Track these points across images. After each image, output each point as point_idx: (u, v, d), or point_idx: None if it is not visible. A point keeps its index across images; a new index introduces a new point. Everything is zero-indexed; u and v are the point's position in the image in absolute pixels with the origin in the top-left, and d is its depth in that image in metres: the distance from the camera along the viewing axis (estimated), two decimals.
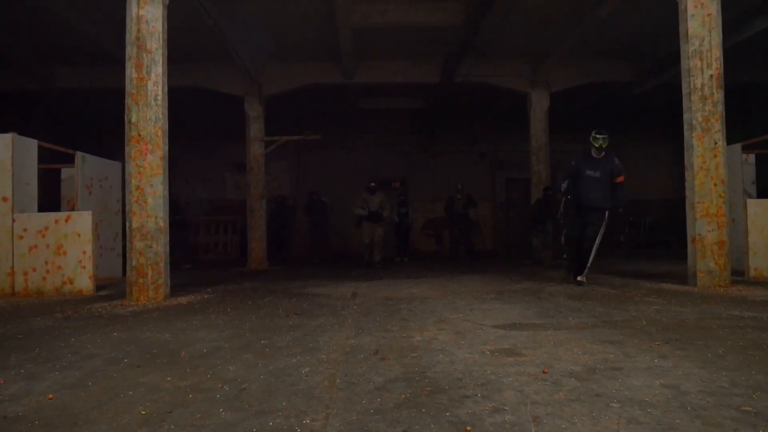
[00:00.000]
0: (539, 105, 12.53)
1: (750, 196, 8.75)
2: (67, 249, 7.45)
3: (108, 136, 13.13)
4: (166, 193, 6.69)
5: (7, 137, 7.36)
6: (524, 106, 12.79)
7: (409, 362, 3.20)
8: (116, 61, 8.30)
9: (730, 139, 8.08)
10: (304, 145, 14.94)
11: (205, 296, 6.85)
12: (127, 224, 6.53)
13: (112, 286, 8.25)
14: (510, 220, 17.17)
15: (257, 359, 3.35)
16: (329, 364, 3.20)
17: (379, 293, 6.80)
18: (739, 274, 7.46)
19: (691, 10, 6.76)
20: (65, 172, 9.50)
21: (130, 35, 6.53)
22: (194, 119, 14.64)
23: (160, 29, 6.55)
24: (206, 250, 16.03)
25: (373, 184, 11.69)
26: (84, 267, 7.48)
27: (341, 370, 3.04)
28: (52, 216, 7.63)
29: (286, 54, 11.74)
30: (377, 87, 13.23)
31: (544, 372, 2.91)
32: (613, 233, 16.79)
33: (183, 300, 6.48)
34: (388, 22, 9.60)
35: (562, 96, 12.67)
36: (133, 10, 6.51)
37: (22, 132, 7.85)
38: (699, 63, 6.73)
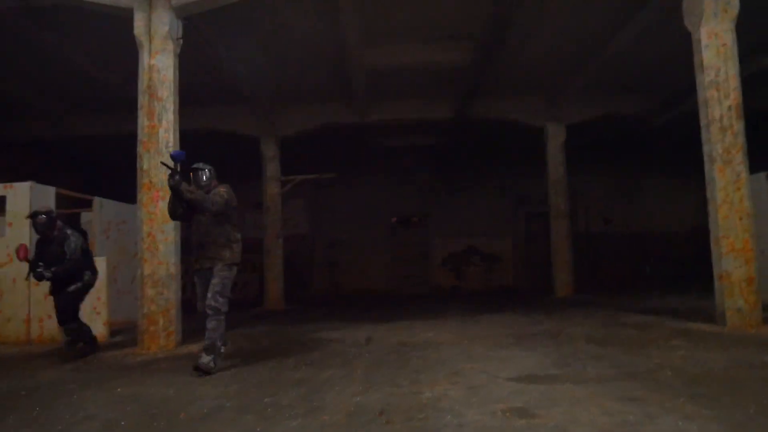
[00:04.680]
0: (555, 139, 12.41)
1: None
2: None
3: (127, 181, 13.33)
4: (179, 239, 6.67)
5: (25, 186, 7.47)
6: (541, 139, 12.68)
7: (415, 426, 3.03)
8: (131, 107, 8.46)
9: (759, 168, 7.81)
10: (321, 183, 14.92)
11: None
12: (139, 271, 6.51)
13: (127, 330, 8.19)
14: (531, 255, 16.84)
15: (258, 422, 3.21)
16: (331, 428, 3.04)
17: (394, 338, 6.60)
18: None
19: (705, 41, 6.61)
20: (84, 216, 9.60)
21: (142, 84, 6.64)
22: (211, 160, 14.77)
23: (171, 77, 6.64)
24: None
25: None
26: (98, 313, 7.47)
27: None
28: None
29: (301, 95, 11.85)
30: (392, 125, 13.25)
31: None
32: (640, 266, 16.35)
33: (194, 348, 6.35)
34: (400, 63, 9.65)
35: (579, 129, 12.53)
36: (145, 60, 6.63)
37: (45, 178, 7.97)
38: (716, 94, 6.56)
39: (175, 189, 4.84)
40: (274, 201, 12.57)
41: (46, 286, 7.34)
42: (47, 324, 7.33)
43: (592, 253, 15.93)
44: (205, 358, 4.82)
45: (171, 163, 4.92)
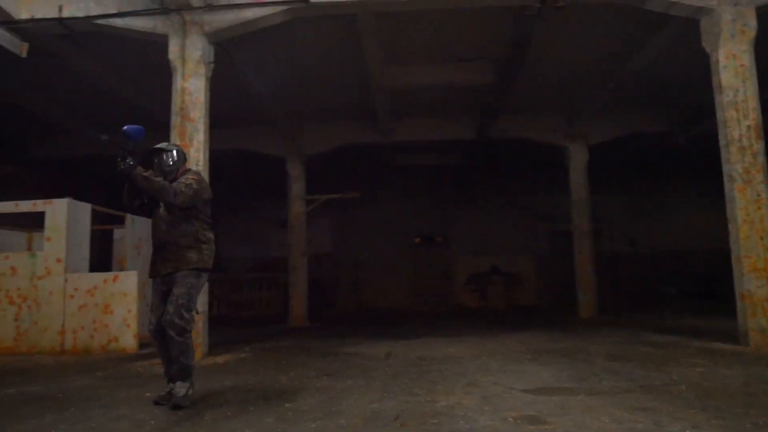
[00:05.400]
0: (578, 158, 12.45)
1: None
2: (113, 308, 7.74)
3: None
4: None
5: (63, 202, 7.84)
6: (563, 157, 12.73)
7: (429, 429, 3.14)
8: (161, 127, 8.86)
9: None
10: (345, 202, 15.13)
11: (242, 355, 6.93)
12: None
13: None
14: (554, 274, 16.72)
15: (278, 423, 3.36)
16: (347, 430, 3.18)
17: (413, 353, 6.71)
18: None
19: (723, 61, 6.69)
20: (117, 232, 9.95)
21: (175, 106, 6.97)
22: (237, 179, 15.15)
23: (203, 99, 6.97)
24: (249, 307, 16.24)
25: None
26: (129, 326, 7.72)
27: None
28: (100, 276, 7.99)
29: (325, 115, 12.16)
30: (414, 144, 13.46)
31: None
32: (664, 286, 16.10)
33: (220, 359, 6.57)
34: (421, 83, 9.88)
35: (601, 148, 12.56)
36: (178, 83, 6.98)
37: (84, 194, 8.33)
38: (735, 114, 6.61)
39: (126, 175, 3.80)
40: (299, 219, 12.82)
41: (80, 298, 7.68)
42: (80, 335, 7.63)
43: (615, 272, 15.78)
44: (182, 390, 3.92)
45: (128, 143, 3.84)
